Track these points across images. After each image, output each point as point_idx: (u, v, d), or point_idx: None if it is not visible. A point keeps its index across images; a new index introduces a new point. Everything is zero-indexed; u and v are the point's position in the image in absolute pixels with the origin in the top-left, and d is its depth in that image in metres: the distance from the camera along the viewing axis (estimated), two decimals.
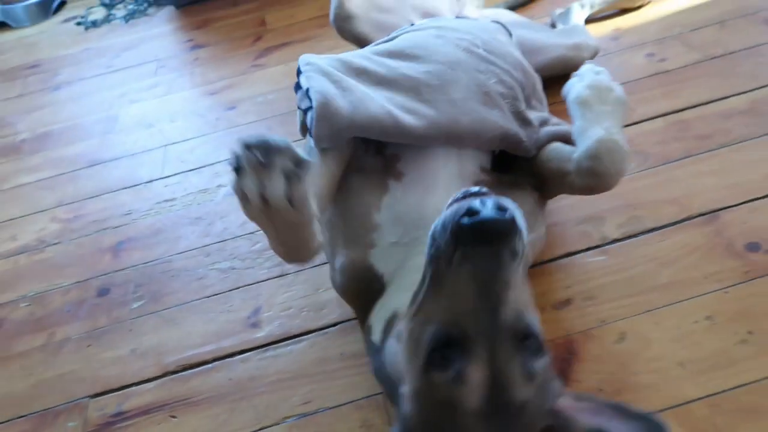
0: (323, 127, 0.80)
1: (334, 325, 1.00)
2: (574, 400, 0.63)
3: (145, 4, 2.27)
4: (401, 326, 0.67)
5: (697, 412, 0.78)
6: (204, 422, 0.91)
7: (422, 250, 0.64)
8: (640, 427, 0.58)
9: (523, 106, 0.92)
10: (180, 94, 1.71)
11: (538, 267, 0.98)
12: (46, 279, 1.23)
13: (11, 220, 1.40)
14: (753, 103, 1.17)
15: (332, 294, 1.05)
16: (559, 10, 1.47)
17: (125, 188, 1.42)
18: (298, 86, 0.88)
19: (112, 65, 1.95)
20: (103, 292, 1.17)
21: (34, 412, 0.98)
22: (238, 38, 1.90)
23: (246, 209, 0.69)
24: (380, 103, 0.83)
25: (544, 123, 0.93)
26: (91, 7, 2.37)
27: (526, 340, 0.58)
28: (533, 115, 0.93)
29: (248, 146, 0.65)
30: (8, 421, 0.97)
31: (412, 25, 1.09)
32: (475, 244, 0.57)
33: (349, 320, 1.00)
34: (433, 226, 0.62)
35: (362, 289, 0.83)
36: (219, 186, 1.36)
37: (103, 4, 2.36)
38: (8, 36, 2.33)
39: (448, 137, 0.85)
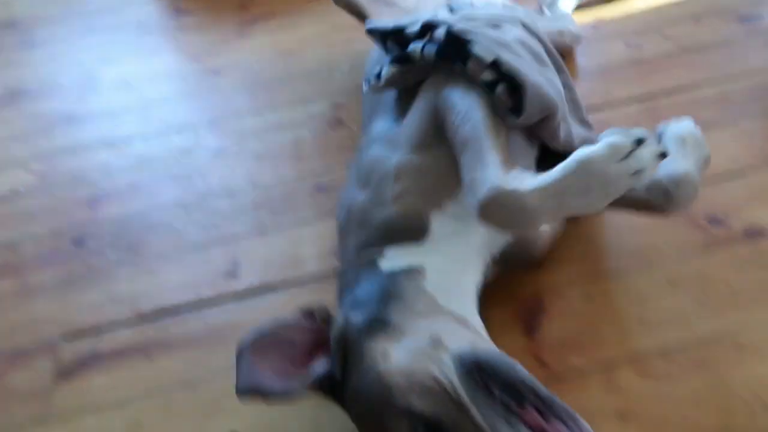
0: (535, 105, 0.79)
1: (314, 277, 1.03)
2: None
3: None
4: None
5: (652, 362, 0.83)
6: (179, 364, 0.93)
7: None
8: None
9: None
10: (162, 57, 1.71)
11: None
12: (20, 228, 1.22)
13: None
14: (722, 93, 1.23)
15: (313, 249, 1.08)
16: None
17: (103, 145, 1.41)
18: (392, 48, 0.93)
19: (92, 27, 1.93)
20: (78, 242, 1.17)
21: (4, 353, 0.98)
22: (224, 6, 1.90)
23: (628, 179, 0.69)
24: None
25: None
26: None
27: None
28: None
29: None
30: None
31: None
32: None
33: (329, 274, 1.02)
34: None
35: (396, 223, 0.81)
36: (200, 146, 1.37)
37: None
38: None
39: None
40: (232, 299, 1.01)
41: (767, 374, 0.79)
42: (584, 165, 0.68)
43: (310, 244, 1.09)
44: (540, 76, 0.83)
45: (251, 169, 1.29)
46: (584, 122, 0.98)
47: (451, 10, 1.01)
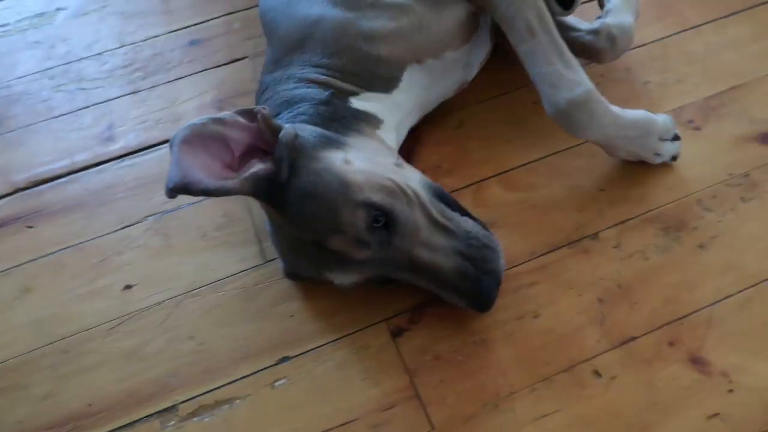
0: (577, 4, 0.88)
1: None
2: None
3: None
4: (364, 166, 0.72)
5: (516, 176, 0.89)
6: (62, 229, 0.92)
7: None
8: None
9: None
10: None
11: None
12: None
13: None
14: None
15: (191, 105, 1.06)
16: None
17: None
18: None
19: None
20: None
21: None
22: None
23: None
24: None
25: None
26: None
27: None
28: None
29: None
30: None
31: None
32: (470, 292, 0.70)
33: None
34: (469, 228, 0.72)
35: (370, 58, 0.81)
36: (58, 9, 1.26)
37: None
38: None
39: None
40: (111, 162, 0.99)
41: (613, 173, 0.88)
42: (649, 123, 0.83)
43: (188, 100, 1.06)
44: None
45: (117, 29, 1.20)
46: None
47: None
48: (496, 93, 0.99)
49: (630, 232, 0.82)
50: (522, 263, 0.81)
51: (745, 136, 0.90)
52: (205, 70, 1.11)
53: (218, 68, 1.11)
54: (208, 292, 0.83)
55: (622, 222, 0.83)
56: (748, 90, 0.96)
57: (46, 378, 0.78)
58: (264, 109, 0.70)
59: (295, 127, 0.74)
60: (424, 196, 0.74)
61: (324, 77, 0.80)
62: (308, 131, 0.74)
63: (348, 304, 0.80)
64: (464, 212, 0.75)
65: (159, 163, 0.98)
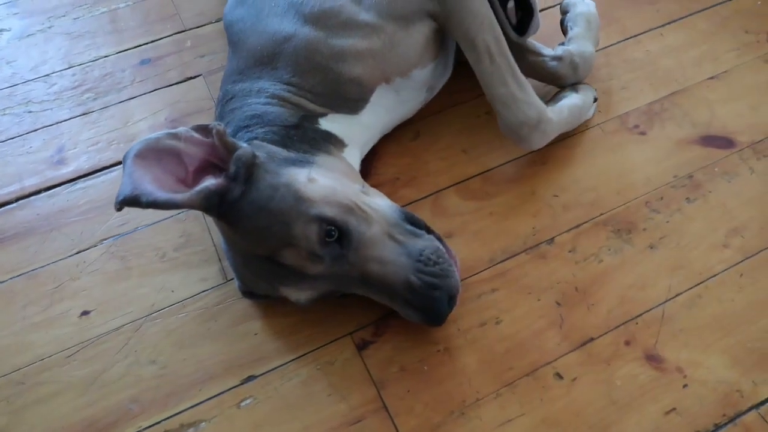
0: (533, 29, 0.92)
1: None
2: None
3: None
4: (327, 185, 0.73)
5: (473, 185, 0.91)
6: (14, 256, 0.89)
7: None
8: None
9: None
10: None
11: None
12: None
13: None
14: None
15: (144, 125, 1.04)
16: None
17: None
18: None
19: None
20: None
21: None
22: None
23: None
24: None
25: None
26: None
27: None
28: None
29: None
30: None
31: None
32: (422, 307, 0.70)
33: None
34: (425, 247, 0.72)
35: (342, 81, 0.82)
36: (0, 31, 1.22)
37: None
38: None
39: None
40: (62, 185, 0.97)
41: (565, 179, 0.90)
42: (579, 111, 0.94)
43: (141, 120, 1.05)
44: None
45: (65, 50, 1.18)
46: None
47: None
48: (451, 104, 1.01)
49: (584, 235, 0.85)
50: (482, 270, 0.82)
51: (688, 139, 0.94)
52: (158, 89, 1.09)
53: (171, 87, 1.10)
54: (168, 314, 0.82)
55: (576, 226, 0.86)
56: (688, 95, 1.00)
57: (1, 411, 0.75)
58: (219, 125, 0.70)
59: (255, 146, 0.74)
60: (388, 216, 0.74)
61: (296, 97, 0.82)
62: (275, 150, 0.75)
63: (312, 320, 0.80)
64: (435, 236, 0.76)
65: (113, 186, 0.96)
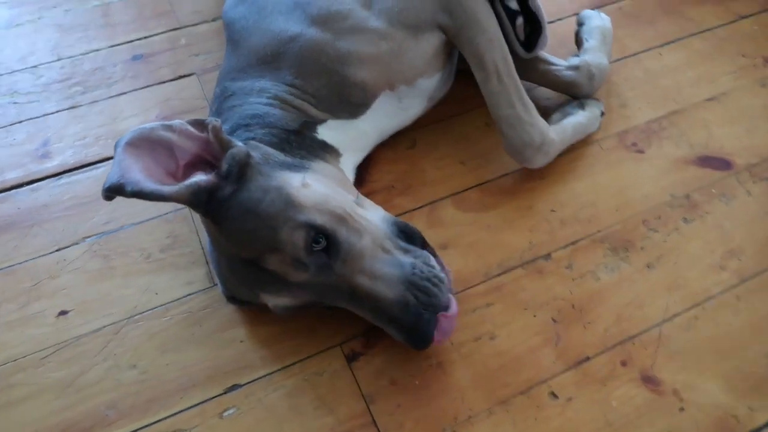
0: (542, 46, 0.92)
1: None
2: None
3: None
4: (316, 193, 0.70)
5: (470, 196, 0.90)
6: None
7: None
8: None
9: None
10: None
11: None
12: None
13: None
14: None
15: (134, 122, 1.02)
16: None
17: None
18: None
19: None
20: None
21: None
22: None
23: None
24: None
25: None
26: None
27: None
28: None
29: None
30: None
31: None
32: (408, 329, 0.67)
33: None
34: (414, 263, 0.69)
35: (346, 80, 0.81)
36: None
37: None
38: None
39: None
40: (46, 180, 0.93)
41: (563, 194, 0.89)
42: (584, 128, 0.95)
43: (131, 116, 1.02)
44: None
45: (54, 42, 1.15)
46: None
47: None
48: (449, 114, 0.99)
49: (581, 252, 0.83)
50: (477, 284, 0.80)
51: (685, 159, 0.94)
52: (149, 86, 1.07)
53: (163, 84, 1.07)
54: (151, 317, 0.79)
55: (574, 242, 0.84)
56: (686, 115, 1.00)
57: None
58: (216, 121, 0.68)
59: (251, 146, 0.72)
60: (382, 228, 0.72)
61: (298, 101, 0.80)
62: (271, 153, 0.74)
63: (300, 329, 0.77)
64: (429, 250, 0.74)
65: (98, 182, 0.93)
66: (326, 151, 0.80)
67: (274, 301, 0.71)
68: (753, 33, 1.13)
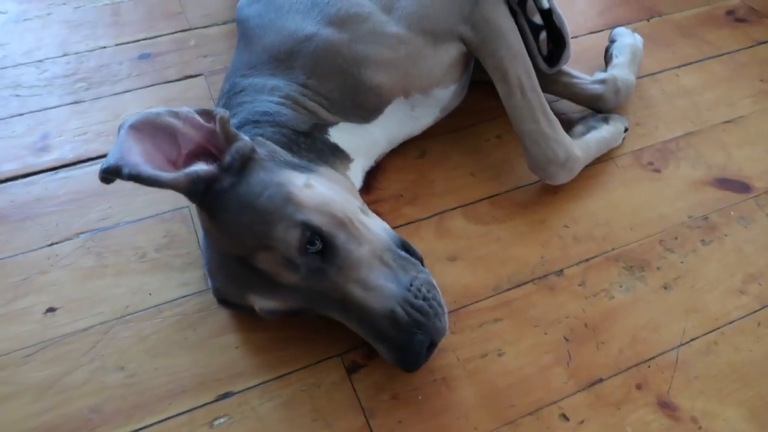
0: (565, 61, 0.91)
1: None
2: None
3: None
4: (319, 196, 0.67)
5: (480, 208, 0.86)
6: None
7: None
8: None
9: None
10: None
11: None
12: None
13: None
14: None
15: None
16: None
17: None
18: None
19: None
20: None
21: None
22: None
23: None
24: None
25: None
26: None
27: None
28: None
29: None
30: None
31: None
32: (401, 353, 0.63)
33: None
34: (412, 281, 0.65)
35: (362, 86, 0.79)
36: None
37: None
38: None
39: None
40: (42, 174, 0.91)
41: (577, 210, 0.86)
42: (607, 143, 0.93)
43: (134, 114, 0.99)
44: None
45: (62, 38, 1.13)
46: None
47: None
48: (460, 125, 0.97)
49: (594, 270, 0.80)
50: (486, 298, 0.77)
51: (703, 180, 0.91)
52: (155, 84, 1.05)
53: (168, 84, 1.05)
54: (143, 318, 0.75)
55: (587, 260, 0.81)
56: (703, 136, 0.97)
57: None
58: (224, 112, 0.65)
59: (258, 142, 0.70)
60: (383, 238, 0.69)
61: (311, 102, 0.78)
62: (278, 151, 0.71)
63: (299, 337, 0.73)
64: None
65: (96, 178, 0.89)
66: (336, 156, 0.78)
67: (261, 303, 0.67)
68: None
